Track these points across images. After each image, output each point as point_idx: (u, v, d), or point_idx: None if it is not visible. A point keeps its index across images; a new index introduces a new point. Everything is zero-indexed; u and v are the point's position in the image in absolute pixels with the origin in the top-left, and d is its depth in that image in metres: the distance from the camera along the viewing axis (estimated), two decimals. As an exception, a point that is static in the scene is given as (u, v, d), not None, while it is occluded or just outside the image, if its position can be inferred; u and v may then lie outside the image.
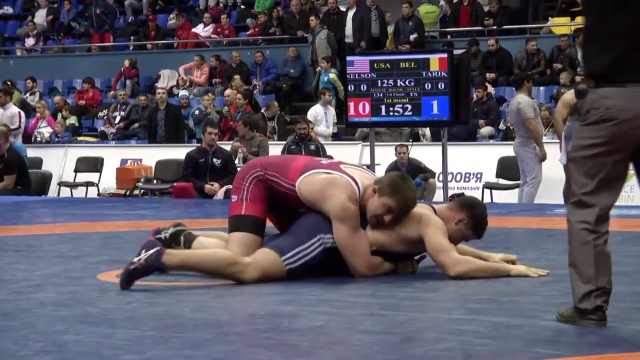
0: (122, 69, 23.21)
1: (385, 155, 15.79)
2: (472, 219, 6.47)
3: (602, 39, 4.79)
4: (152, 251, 6.15)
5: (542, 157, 13.95)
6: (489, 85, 19.18)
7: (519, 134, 14.08)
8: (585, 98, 4.87)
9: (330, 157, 16.09)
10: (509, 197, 15.45)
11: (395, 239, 6.46)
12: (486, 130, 18.18)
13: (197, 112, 19.76)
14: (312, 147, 15.90)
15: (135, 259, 6.16)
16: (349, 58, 14.34)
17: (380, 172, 15.28)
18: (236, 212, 6.61)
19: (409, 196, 6.41)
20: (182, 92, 21.73)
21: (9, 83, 22.50)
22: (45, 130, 20.52)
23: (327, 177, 6.50)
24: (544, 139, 15.20)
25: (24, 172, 15.94)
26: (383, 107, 13.52)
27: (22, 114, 18.65)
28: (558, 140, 14.59)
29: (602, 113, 4.75)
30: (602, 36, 4.80)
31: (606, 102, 4.73)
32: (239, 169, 12.73)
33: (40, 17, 26.06)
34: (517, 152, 14.19)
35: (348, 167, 6.62)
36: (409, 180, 6.57)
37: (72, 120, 21.09)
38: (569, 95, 13.93)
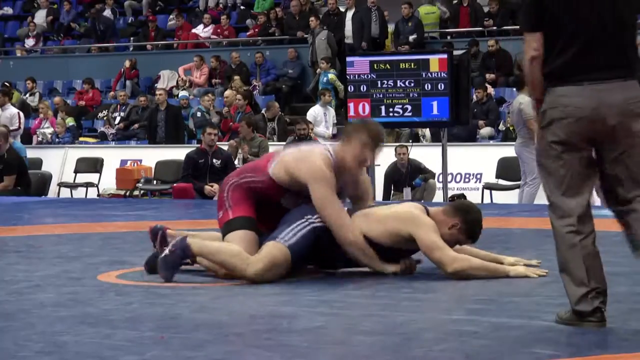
0: (122, 69, 23.23)
1: (386, 156, 15.78)
2: (465, 224, 6.47)
3: (559, 41, 4.86)
4: (177, 239, 6.32)
5: None
6: (488, 86, 19.19)
7: (520, 135, 14.08)
8: (544, 98, 4.93)
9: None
10: (509, 197, 15.44)
11: (383, 232, 6.47)
12: (486, 131, 18.19)
13: (198, 114, 19.74)
14: (312, 147, 15.87)
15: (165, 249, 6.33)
16: (348, 59, 14.34)
17: (380, 172, 15.31)
18: (225, 219, 6.64)
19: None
20: (182, 93, 21.72)
21: (7, 84, 22.48)
22: (48, 131, 20.54)
23: (298, 150, 6.60)
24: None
25: (23, 172, 15.93)
26: (383, 107, 13.52)
27: (22, 114, 18.67)
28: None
29: (560, 112, 4.84)
30: (558, 38, 4.86)
31: (563, 100, 4.84)
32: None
33: (40, 17, 26.07)
34: (519, 153, 14.19)
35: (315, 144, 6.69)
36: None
37: (70, 121, 21.07)
38: None
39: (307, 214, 6.46)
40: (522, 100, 13.93)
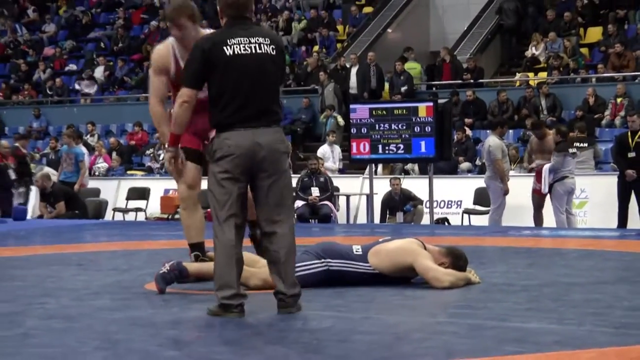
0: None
1: (382, 186, 15.78)
2: (453, 265, 6.52)
3: (223, 100, 5.32)
4: (173, 261, 6.39)
5: (506, 192, 13.89)
6: (467, 129, 19.16)
7: (488, 169, 14.08)
8: (213, 140, 5.38)
9: (337, 188, 16.11)
10: (484, 220, 15.42)
11: (390, 265, 6.49)
12: (465, 165, 18.17)
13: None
14: (322, 179, 15.88)
15: (162, 268, 6.34)
16: (352, 106, 14.39)
17: (377, 200, 15.30)
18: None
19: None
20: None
21: (72, 127, 22.56)
22: (102, 165, 20.54)
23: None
24: (512, 173, 15.18)
25: (71, 197, 15.97)
26: (380, 146, 13.57)
27: (87, 152, 18.52)
28: (527, 174, 14.57)
29: (225, 151, 5.29)
30: (222, 98, 5.32)
31: (227, 142, 5.29)
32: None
33: (99, 72, 26.15)
34: (487, 184, 14.17)
35: None
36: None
37: (116, 162, 21.05)
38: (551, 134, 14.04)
39: (327, 257, 6.47)
40: (492, 143, 13.90)
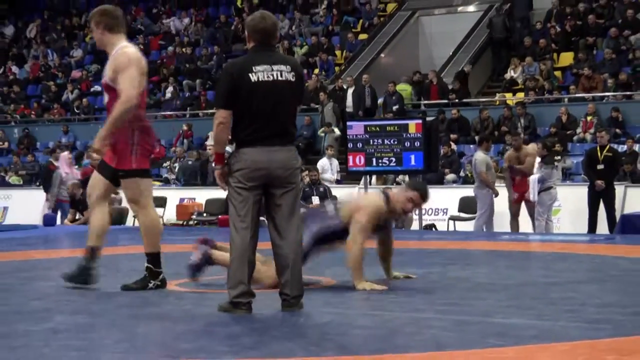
0: (181, 131, 23.24)
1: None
2: (421, 197, 6.53)
3: (245, 120, 5.36)
4: (201, 251, 6.54)
5: (495, 194, 13.87)
6: (452, 144, 19.15)
7: (476, 180, 14.07)
8: (233, 155, 5.46)
9: (335, 197, 16.08)
10: (468, 226, 15.41)
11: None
12: (450, 177, 18.14)
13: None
14: (321, 189, 15.86)
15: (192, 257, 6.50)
16: (349, 123, 14.38)
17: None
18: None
19: None
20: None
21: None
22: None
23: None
24: (496, 183, 15.15)
25: None
26: (374, 159, 13.53)
27: None
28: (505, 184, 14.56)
29: (242, 164, 5.37)
30: (244, 118, 5.36)
31: (244, 157, 5.37)
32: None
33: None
34: (475, 193, 14.16)
35: None
36: None
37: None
38: (535, 147, 14.06)
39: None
40: (477, 157, 13.91)
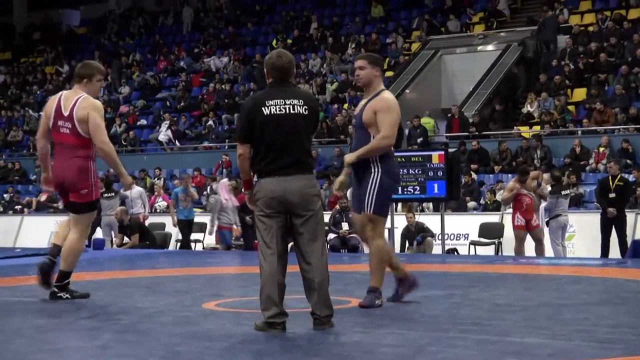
0: (221, 161, 23.35)
1: (401, 221, 15.71)
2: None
3: (261, 152, 5.38)
4: None
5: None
6: (472, 173, 19.11)
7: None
8: (256, 185, 5.45)
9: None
10: (488, 250, 15.35)
11: None
12: (471, 204, 18.08)
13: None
14: (351, 215, 15.78)
15: None
16: (376, 155, 14.33)
17: (397, 233, 15.21)
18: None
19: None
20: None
21: (143, 172, 22.86)
22: (162, 203, 20.37)
23: None
24: (509, 209, 15.01)
25: (144, 231, 16.00)
26: (400, 188, 13.51)
27: (144, 192, 18.35)
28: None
29: (262, 194, 5.37)
30: (261, 150, 5.38)
31: (264, 187, 5.37)
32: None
33: (164, 126, 26.31)
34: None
35: None
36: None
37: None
38: (548, 177, 14.07)
39: None
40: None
